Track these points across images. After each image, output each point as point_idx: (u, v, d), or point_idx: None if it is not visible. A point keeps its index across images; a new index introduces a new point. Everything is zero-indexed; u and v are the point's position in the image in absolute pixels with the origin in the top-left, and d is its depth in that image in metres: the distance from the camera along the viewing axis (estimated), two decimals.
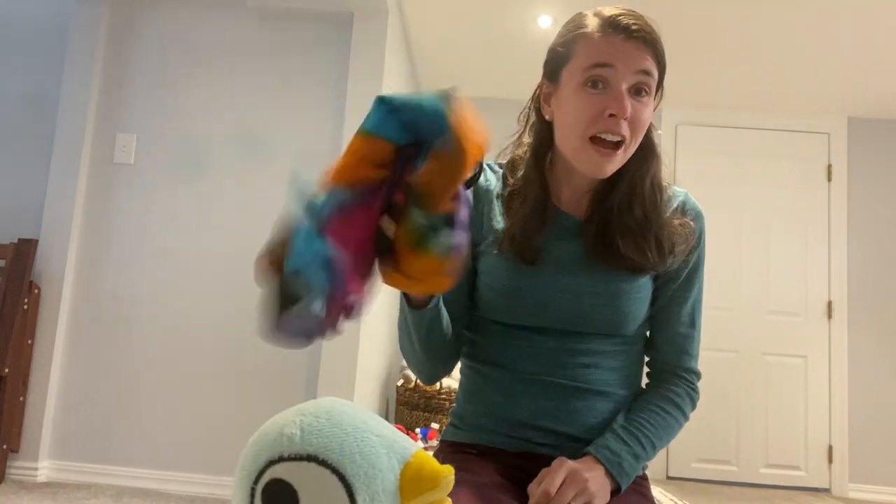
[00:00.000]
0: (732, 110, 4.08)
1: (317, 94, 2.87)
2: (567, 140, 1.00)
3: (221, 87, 2.90)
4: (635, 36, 0.94)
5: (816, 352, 3.93)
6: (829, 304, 3.95)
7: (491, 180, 1.09)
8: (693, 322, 1.07)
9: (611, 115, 0.94)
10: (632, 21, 0.95)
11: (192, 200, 2.84)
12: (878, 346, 3.90)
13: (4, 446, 2.58)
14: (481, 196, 1.08)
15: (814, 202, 4.05)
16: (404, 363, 3.43)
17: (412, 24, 3.33)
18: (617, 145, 0.96)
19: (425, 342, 0.99)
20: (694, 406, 1.06)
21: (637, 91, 0.96)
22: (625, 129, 0.95)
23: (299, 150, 2.84)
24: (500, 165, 1.12)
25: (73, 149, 2.82)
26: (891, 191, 4.03)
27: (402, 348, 1.05)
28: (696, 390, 1.07)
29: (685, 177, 3.97)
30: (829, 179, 4.06)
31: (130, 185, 2.86)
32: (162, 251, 2.81)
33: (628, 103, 0.94)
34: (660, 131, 1.07)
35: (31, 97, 3.02)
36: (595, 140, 0.96)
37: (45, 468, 2.68)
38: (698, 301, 1.08)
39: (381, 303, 3.14)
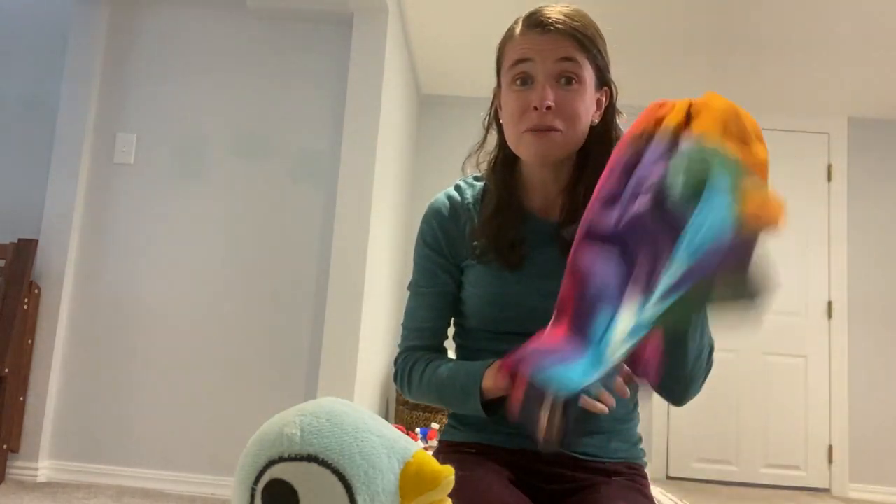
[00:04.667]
0: None
1: (317, 94, 2.87)
2: (510, 138, 1.04)
3: (221, 87, 2.90)
4: (552, 28, 0.98)
5: (816, 352, 3.93)
6: (829, 304, 3.95)
7: (468, 195, 1.10)
8: None
9: (535, 109, 0.97)
10: (551, 16, 0.98)
11: (192, 200, 2.84)
12: (878, 346, 3.90)
13: (4, 446, 2.58)
14: (461, 212, 1.09)
15: (814, 202, 4.05)
16: None
17: (412, 24, 3.33)
18: (550, 128, 0.98)
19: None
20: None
21: (566, 80, 0.98)
22: (553, 119, 0.97)
23: (299, 150, 2.84)
24: (478, 178, 1.13)
25: (73, 149, 2.82)
26: (891, 191, 4.02)
27: (420, 396, 1.07)
28: None
29: None
30: (829, 179, 4.06)
31: (130, 185, 2.85)
32: (162, 251, 2.81)
33: (549, 92, 0.97)
34: (626, 117, 1.07)
35: (31, 98, 3.02)
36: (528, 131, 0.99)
37: (44, 468, 2.68)
38: None
39: (381, 302, 3.14)
